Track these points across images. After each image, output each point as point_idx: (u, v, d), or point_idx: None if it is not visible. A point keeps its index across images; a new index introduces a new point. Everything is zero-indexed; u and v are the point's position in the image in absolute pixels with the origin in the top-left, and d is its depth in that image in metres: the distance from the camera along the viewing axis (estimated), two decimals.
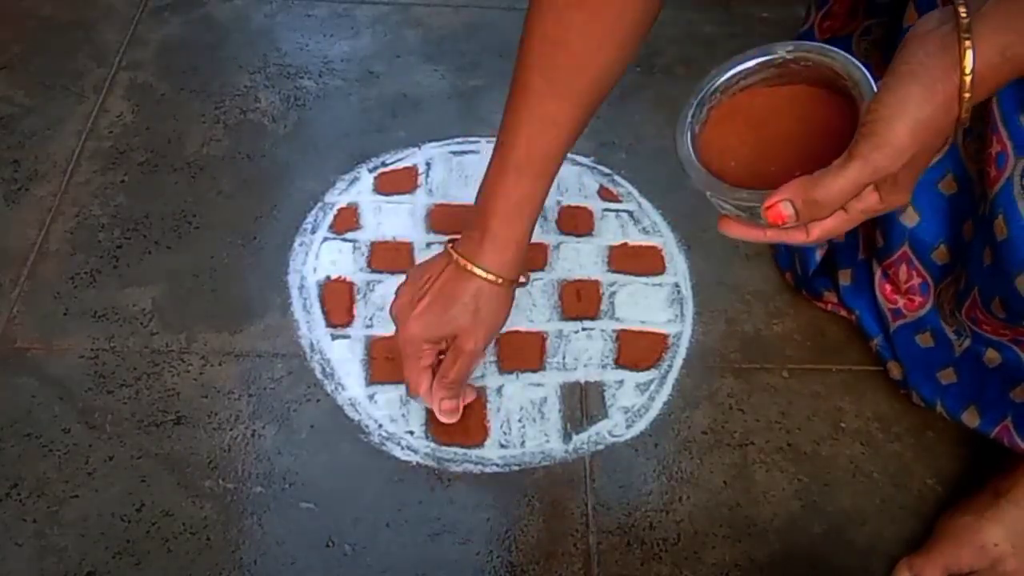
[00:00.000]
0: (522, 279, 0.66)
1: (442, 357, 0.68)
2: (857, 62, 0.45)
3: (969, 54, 0.40)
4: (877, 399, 0.75)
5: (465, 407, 0.72)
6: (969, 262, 0.64)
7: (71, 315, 0.77)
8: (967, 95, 0.41)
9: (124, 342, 0.75)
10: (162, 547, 0.65)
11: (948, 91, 0.41)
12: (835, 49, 0.46)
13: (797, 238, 0.47)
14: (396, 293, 0.68)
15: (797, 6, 1.08)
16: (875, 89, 0.44)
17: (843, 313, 0.78)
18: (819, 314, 0.80)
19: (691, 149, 0.49)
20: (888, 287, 0.72)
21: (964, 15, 0.41)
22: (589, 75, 0.58)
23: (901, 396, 0.74)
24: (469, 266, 0.63)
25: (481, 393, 0.73)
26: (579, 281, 0.81)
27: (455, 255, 0.64)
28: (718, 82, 0.49)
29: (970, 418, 0.68)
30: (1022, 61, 0.41)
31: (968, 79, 0.40)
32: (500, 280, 0.64)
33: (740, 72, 0.49)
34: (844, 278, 0.76)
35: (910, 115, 0.41)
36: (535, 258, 0.82)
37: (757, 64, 0.49)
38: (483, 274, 0.63)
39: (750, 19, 1.06)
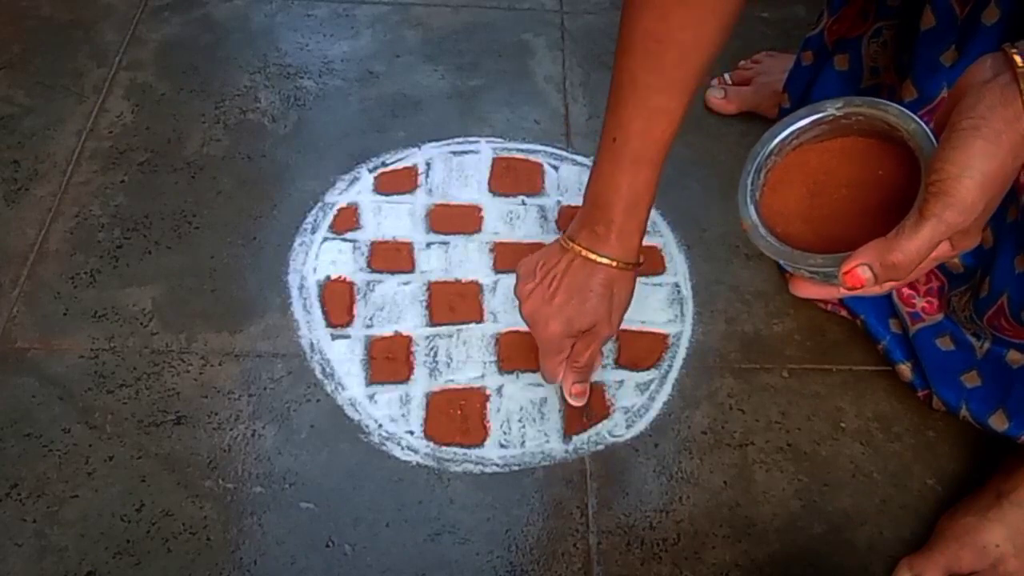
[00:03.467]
0: (640, 259, 0.68)
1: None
2: (910, 113, 0.45)
3: None
4: (877, 399, 0.75)
5: (465, 407, 0.72)
6: (995, 269, 0.63)
7: (71, 315, 0.77)
8: None
9: (124, 342, 0.75)
10: (162, 547, 0.65)
11: (1013, 140, 0.40)
12: (887, 102, 0.46)
13: (872, 291, 0.47)
14: (519, 295, 0.68)
15: (797, 6, 1.08)
16: (933, 140, 0.43)
17: (843, 313, 0.78)
18: (819, 314, 0.80)
19: (756, 217, 0.48)
20: (905, 291, 0.72)
21: (1021, 64, 0.40)
22: (695, 64, 0.59)
23: (901, 396, 0.74)
24: (597, 258, 0.65)
25: (481, 393, 0.74)
26: None
27: (580, 249, 0.65)
28: (771, 145, 0.49)
29: (998, 422, 0.67)
30: None
31: None
32: (628, 265, 0.66)
33: (792, 132, 0.49)
34: None
35: (977, 170, 0.41)
36: None
37: (808, 123, 0.48)
38: (611, 263, 0.65)
39: (750, 19, 1.06)
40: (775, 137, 0.49)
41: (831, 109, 0.47)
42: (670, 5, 0.57)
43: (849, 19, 0.74)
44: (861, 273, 0.44)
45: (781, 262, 0.48)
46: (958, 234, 0.43)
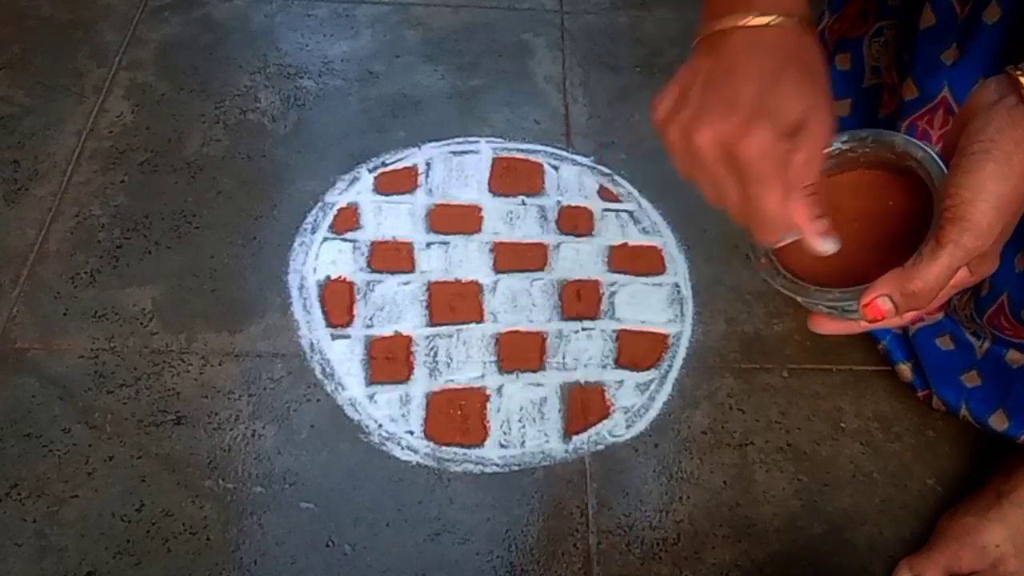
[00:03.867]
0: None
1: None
2: (916, 140, 0.45)
3: None
4: (877, 399, 0.75)
5: (465, 407, 0.72)
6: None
7: (71, 315, 0.77)
8: None
9: (124, 342, 0.75)
10: (162, 547, 0.65)
11: (1023, 161, 0.40)
12: (891, 132, 0.46)
13: (893, 323, 0.46)
14: (653, 105, 0.47)
15: None
16: (942, 166, 0.43)
17: None
18: None
19: (770, 255, 0.48)
20: None
21: None
22: None
23: (901, 396, 0.74)
24: (767, 20, 0.44)
25: (481, 393, 0.74)
26: (579, 281, 0.81)
27: (714, 24, 0.46)
28: None
29: (998, 421, 0.67)
30: None
31: None
32: (796, 20, 0.44)
33: None
34: None
35: (991, 193, 0.40)
36: (535, 258, 0.82)
37: None
38: (768, 19, 0.44)
39: None
40: None
41: (836, 143, 0.47)
42: None
43: (850, 19, 0.74)
44: (881, 304, 0.43)
45: (799, 299, 0.47)
46: (976, 259, 0.43)
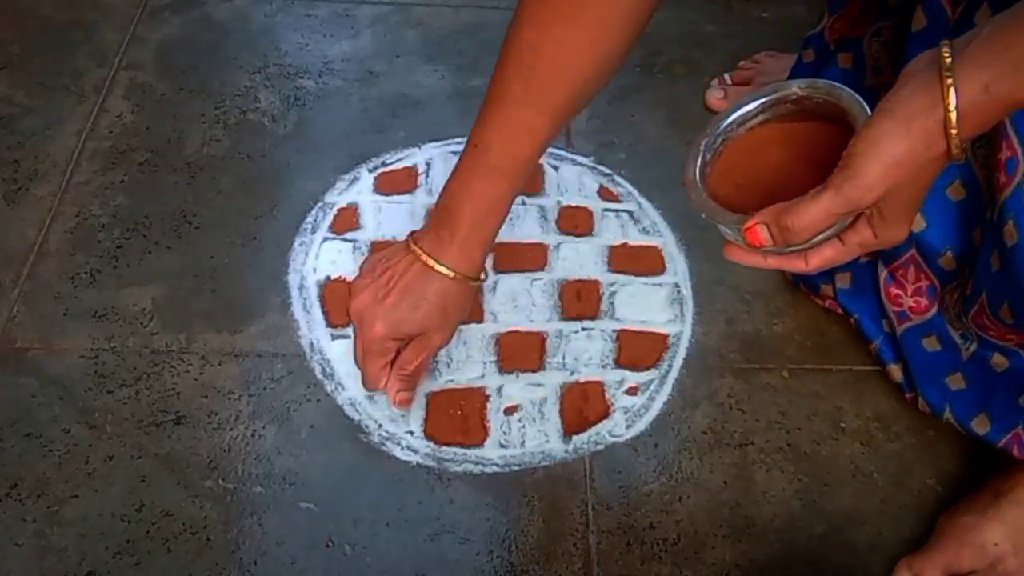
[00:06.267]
0: (482, 276, 0.68)
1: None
2: (860, 98, 0.47)
3: (951, 92, 0.41)
4: (877, 399, 0.75)
5: (465, 407, 0.72)
6: (977, 267, 0.63)
7: (71, 315, 0.77)
8: (954, 131, 0.42)
9: (124, 342, 0.75)
10: (162, 547, 0.65)
11: (927, 127, 0.42)
12: (843, 87, 0.48)
13: (796, 266, 0.50)
14: (353, 291, 0.67)
15: (797, 6, 1.08)
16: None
17: (840, 311, 0.78)
18: (819, 314, 0.80)
19: (699, 175, 0.51)
20: (893, 290, 0.72)
21: (947, 55, 0.42)
22: (564, 84, 0.59)
23: (901, 396, 0.74)
24: (436, 265, 0.64)
25: (481, 393, 0.74)
26: (579, 281, 0.81)
27: (421, 253, 0.64)
28: (734, 116, 0.52)
29: (980, 425, 0.67)
30: (1006, 97, 0.41)
31: (953, 115, 0.42)
32: (467, 279, 0.65)
33: (756, 107, 0.51)
34: (842, 281, 0.76)
35: (883, 150, 0.43)
36: (535, 258, 0.82)
37: (773, 99, 0.51)
38: (450, 273, 0.64)
39: (750, 19, 1.06)
40: (739, 108, 0.52)
41: (795, 88, 0.50)
42: (550, 20, 0.57)
43: (849, 19, 0.74)
44: (759, 231, 0.47)
45: (703, 215, 0.51)
46: (876, 219, 0.46)
